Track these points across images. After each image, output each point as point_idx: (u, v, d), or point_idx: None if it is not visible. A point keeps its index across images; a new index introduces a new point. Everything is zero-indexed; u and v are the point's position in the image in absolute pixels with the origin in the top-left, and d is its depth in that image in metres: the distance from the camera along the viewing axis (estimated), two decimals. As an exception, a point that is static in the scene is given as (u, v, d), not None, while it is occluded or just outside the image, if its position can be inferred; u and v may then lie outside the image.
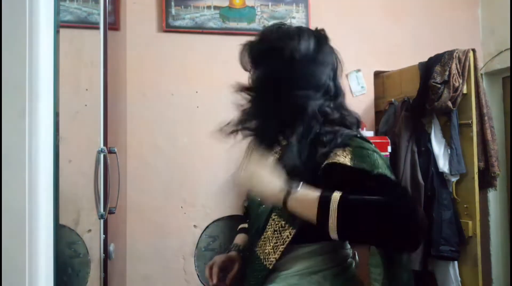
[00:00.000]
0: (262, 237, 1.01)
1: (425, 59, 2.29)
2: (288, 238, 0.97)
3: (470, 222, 2.16)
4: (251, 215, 1.14)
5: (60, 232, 0.98)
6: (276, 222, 0.99)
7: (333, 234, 0.82)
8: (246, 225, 1.26)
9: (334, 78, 1.04)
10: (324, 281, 0.98)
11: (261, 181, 0.85)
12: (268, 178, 0.86)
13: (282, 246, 0.97)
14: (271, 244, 0.99)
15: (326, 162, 0.90)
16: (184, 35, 2.35)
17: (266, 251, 1.00)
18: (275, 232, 0.98)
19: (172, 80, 2.32)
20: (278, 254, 0.98)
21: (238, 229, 1.29)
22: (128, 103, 2.26)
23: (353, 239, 0.91)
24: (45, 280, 0.83)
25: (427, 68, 2.23)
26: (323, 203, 0.82)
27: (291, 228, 0.96)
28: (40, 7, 0.82)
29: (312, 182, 0.89)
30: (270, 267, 0.99)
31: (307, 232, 0.93)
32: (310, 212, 0.83)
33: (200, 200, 2.30)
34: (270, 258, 0.99)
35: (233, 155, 1.18)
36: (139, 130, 2.27)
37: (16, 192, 0.78)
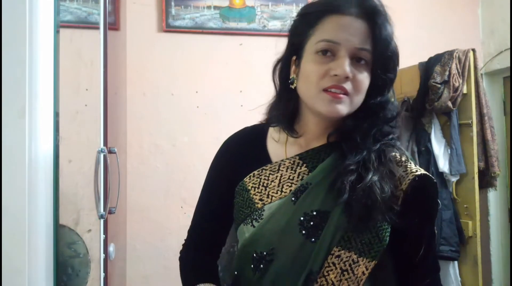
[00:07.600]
0: (317, 285, 0.75)
1: (425, 59, 2.28)
2: (364, 274, 0.75)
3: (470, 222, 2.16)
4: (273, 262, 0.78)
5: (60, 232, 0.98)
6: (344, 259, 0.75)
7: None
8: None
9: None
10: None
11: None
12: None
13: None
14: None
15: None
16: (184, 35, 2.35)
17: None
18: (345, 272, 0.75)
19: (172, 80, 2.32)
20: None
21: None
22: (128, 103, 2.26)
23: None
24: (45, 280, 0.83)
25: (427, 68, 2.22)
26: None
27: (367, 260, 0.75)
28: (40, 7, 0.82)
29: None
30: None
31: (384, 260, 0.77)
32: None
33: (200, 200, 2.29)
34: None
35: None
36: (139, 130, 2.27)
37: (16, 192, 0.78)
